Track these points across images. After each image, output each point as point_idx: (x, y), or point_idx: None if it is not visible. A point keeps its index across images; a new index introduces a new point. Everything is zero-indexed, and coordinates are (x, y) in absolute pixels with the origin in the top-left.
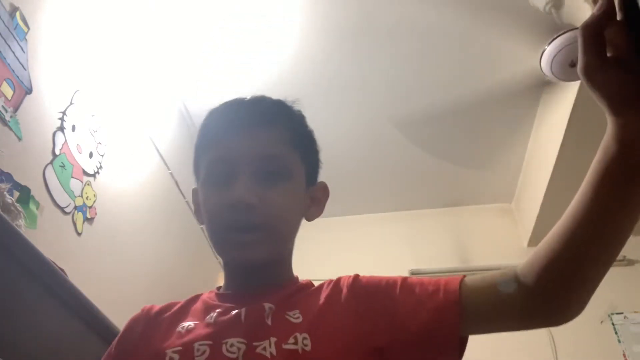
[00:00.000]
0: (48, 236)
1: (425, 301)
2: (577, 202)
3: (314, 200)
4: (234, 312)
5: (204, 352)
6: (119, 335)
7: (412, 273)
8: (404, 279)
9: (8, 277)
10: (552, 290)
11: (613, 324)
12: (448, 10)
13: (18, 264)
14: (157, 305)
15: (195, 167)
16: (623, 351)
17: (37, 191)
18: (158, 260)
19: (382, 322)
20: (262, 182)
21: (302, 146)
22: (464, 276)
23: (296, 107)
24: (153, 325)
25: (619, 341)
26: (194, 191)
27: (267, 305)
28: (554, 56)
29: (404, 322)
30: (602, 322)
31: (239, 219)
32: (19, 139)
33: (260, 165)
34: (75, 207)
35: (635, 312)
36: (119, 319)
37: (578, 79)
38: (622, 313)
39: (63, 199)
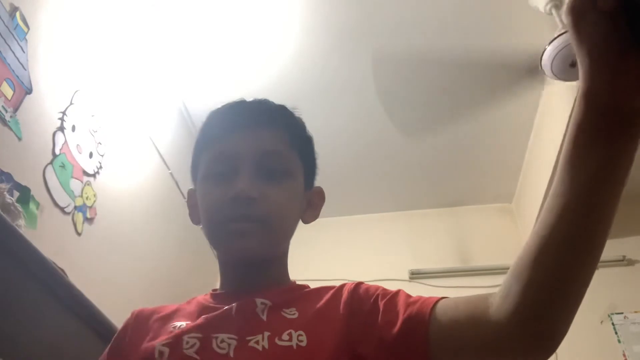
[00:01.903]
0: (48, 236)
1: (402, 311)
2: (555, 183)
3: (311, 204)
4: (224, 307)
5: (193, 345)
6: (109, 345)
7: (412, 273)
8: (397, 291)
9: (8, 277)
10: (530, 316)
11: (613, 324)
12: (449, 10)
13: (18, 264)
14: (148, 308)
15: (194, 165)
16: (623, 351)
17: (37, 191)
18: (158, 260)
19: (364, 330)
20: (263, 178)
21: (301, 149)
22: (444, 297)
23: (297, 113)
24: (143, 329)
25: (619, 341)
26: (190, 192)
27: (259, 300)
28: (555, 56)
29: (380, 332)
30: (602, 322)
31: (240, 211)
32: (19, 139)
33: (261, 161)
34: (75, 207)
35: (635, 312)
36: (119, 319)
37: (578, 79)
38: (622, 313)
39: (63, 199)
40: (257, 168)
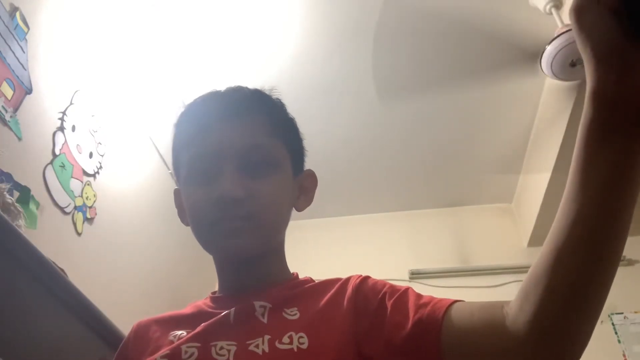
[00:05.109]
0: (48, 236)
1: (412, 313)
2: (567, 187)
3: (303, 189)
4: (222, 314)
5: (192, 354)
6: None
7: (412, 273)
8: (406, 290)
9: (8, 277)
10: (547, 328)
11: (613, 324)
12: (449, 9)
13: (18, 264)
14: (148, 318)
15: (175, 166)
16: (623, 351)
17: (37, 191)
18: (158, 260)
19: (370, 331)
20: (248, 174)
21: (284, 134)
22: (457, 301)
23: (275, 95)
24: (143, 341)
25: (619, 341)
26: (176, 192)
27: (257, 303)
28: (554, 56)
29: (388, 334)
30: (602, 322)
31: (226, 213)
32: (19, 139)
33: (244, 156)
34: (75, 207)
35: (635, 312)
36: (119, 319)
37: (578, 78)
38: (622, 313)
39: (63, 199)
40: (240, 164)
